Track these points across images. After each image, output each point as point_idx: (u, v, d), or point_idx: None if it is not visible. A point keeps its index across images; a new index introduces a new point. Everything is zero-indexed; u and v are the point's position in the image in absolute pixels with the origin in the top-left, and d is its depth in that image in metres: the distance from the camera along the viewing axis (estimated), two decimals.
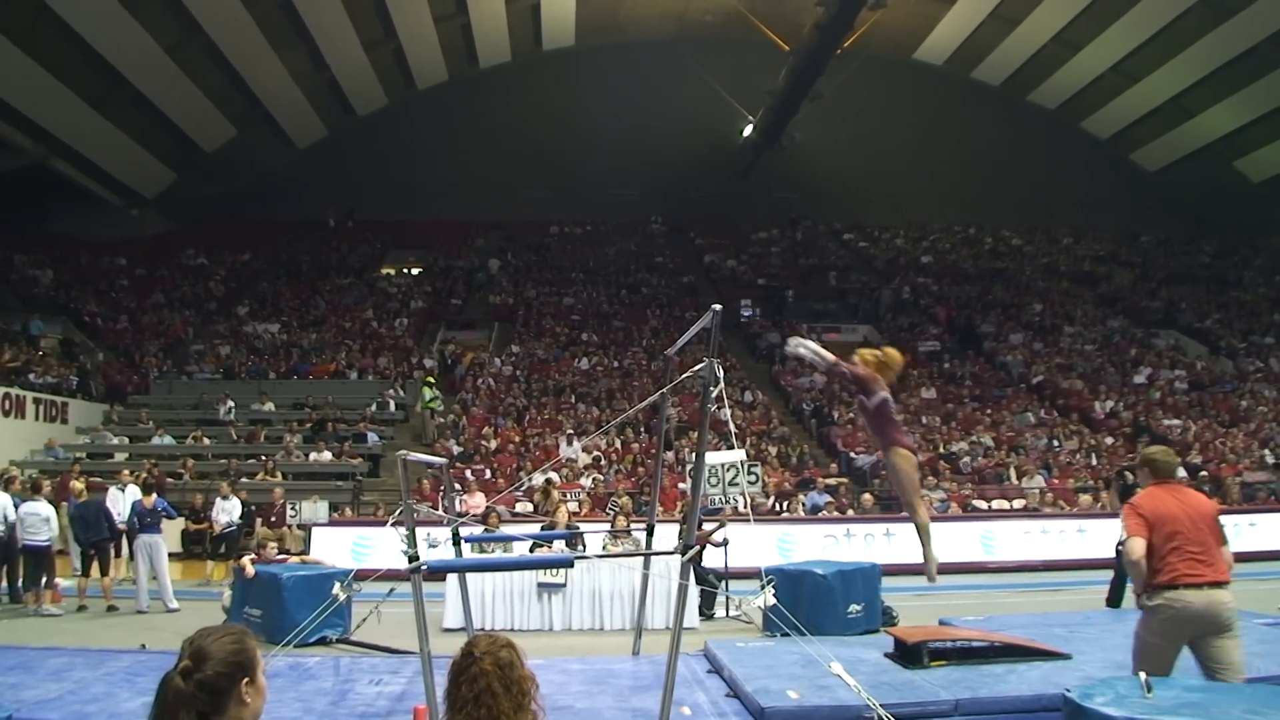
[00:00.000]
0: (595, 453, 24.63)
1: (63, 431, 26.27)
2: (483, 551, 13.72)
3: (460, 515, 11.98)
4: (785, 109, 37.13)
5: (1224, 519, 6.66)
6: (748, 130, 40.72)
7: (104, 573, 14.94)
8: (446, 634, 12.19)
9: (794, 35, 34.81)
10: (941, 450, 25.67)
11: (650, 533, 10.67)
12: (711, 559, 14.52)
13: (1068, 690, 5.30)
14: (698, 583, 13.14)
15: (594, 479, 22.99)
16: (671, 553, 8.55)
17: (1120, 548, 12.99)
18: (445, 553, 10.50)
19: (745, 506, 13.87)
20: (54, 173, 35.66)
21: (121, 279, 37.95)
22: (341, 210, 44.66)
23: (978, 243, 46.19)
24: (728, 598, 14.07)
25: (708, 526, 14.33)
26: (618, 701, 8.46)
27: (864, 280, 40.73)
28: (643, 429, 26.09)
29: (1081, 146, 45.43)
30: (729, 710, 8.15)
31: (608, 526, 15.83)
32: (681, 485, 21.92)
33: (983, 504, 22.45)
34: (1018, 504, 22.47)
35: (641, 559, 11.07)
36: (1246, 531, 19.69)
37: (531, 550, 13.76)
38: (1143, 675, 5.33)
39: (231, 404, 27.97)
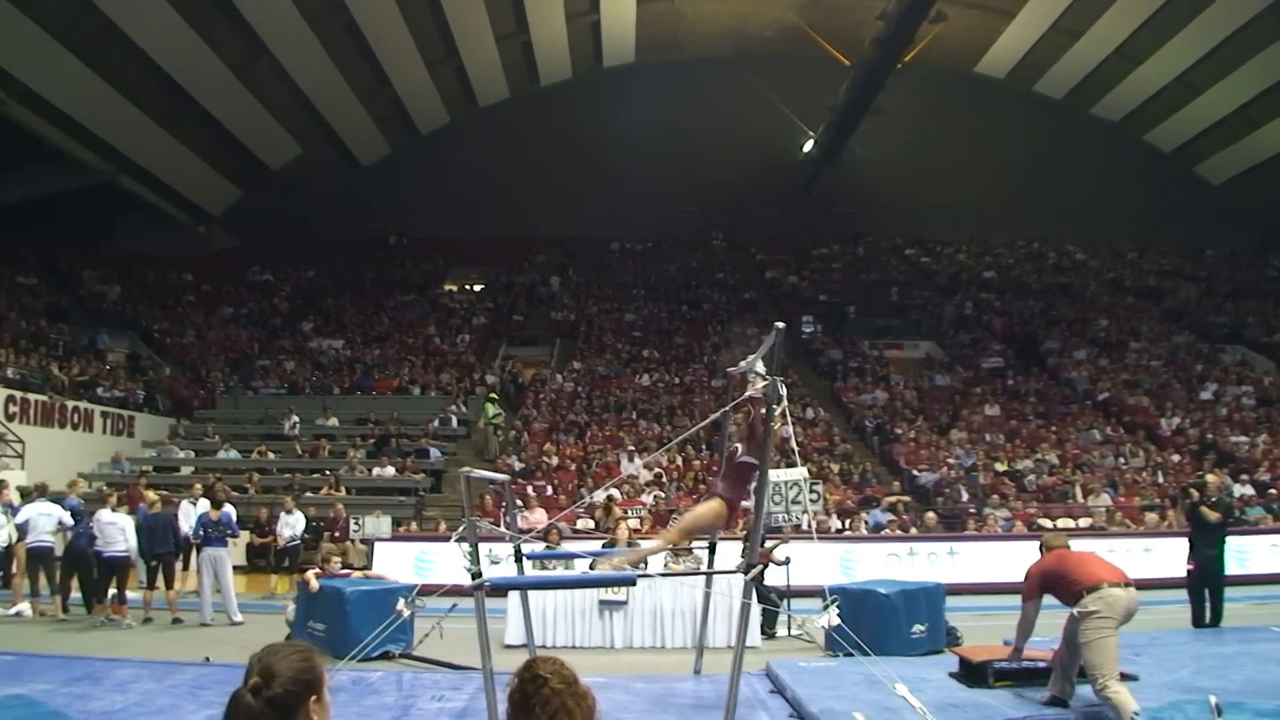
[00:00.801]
0: (656, 469, 24.58)
1: (129, 445, 26.67)
2: (544, 568, 13.72)
3: (522, 532, 12.01)
4: (846, 124, 37.06)
5: None
6: (808, 145, 40.66)
7: (169, 585, 15.10)
8: (508, 650, 12.21)
9: (854, 50, 34.79)
10: (1005, 468, 25.38)
11: (712, 550, 10.64)
12: (773, 577, 14.44)
13: (1136, 713, 5.23)
14: (759, 601, 13.07)
15: (655, 496, 22.95)
16: (733, 571, 8.51)
17: (1189, 567, 12.82)
18: (507, 569, 10.51)
19: (809, 524, 13.81)
20: (122, 190, 36.29)
21: (188, 295, 38.52)
22: (394, 228, 45.04)
23: (1041, 257, 45.70)
24: (790, 617, 13.97)
25: (769, 544, 14.26)
26: None
27: (926, 296, 40.42)
28: (704, 446, 26.01)
29: (1145, 159, 44.85)
30: None
31: None
32: (744, 503, 21.79)
33: (1048, 523, 22.11)
34: (1083, 522, 22.14)
35: (703, 577, 11.03)
36: None
37: (591, 567, 13.75)
38: (1213, 699, 5.27)
39: (296, 419, 28.24)
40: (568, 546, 16.04)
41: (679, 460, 25.45)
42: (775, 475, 13.88)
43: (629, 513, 21.27)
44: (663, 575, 12.20)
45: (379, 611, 11.26)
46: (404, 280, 41.37)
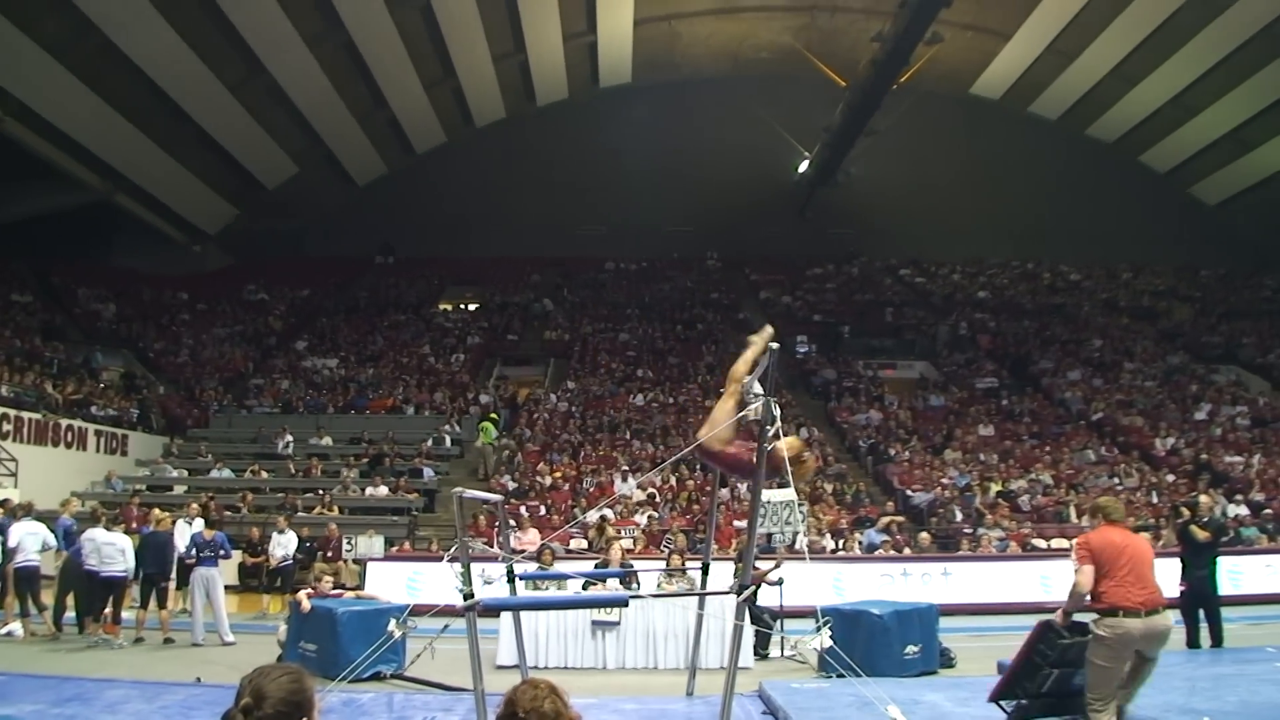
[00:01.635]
0: (650, 489, 24.56)
1: (123, 463, 26.68)
2: (537, 589, 13.70)
3: (515, 552, 11.98)
4: (841, 145, 37.19)
5: None
6: (804, 166, 40.78)
7: (161, 605, 15.03)
8: (500, 671, 12.16)
9: (850, 71, 34.93)
10: (1000, 488, 25.37)
11: (705, 571, 10.62)
12: (766, 598, 14.41)
13: None
14: (752, 622, 13.03)
15: (649, 516, 22.93)
16: (727, 592, 8.49)
17: (1182, 587, 12.80)
18: (500, 590, 10.49)
19: (801, 545, 13.80)
20: (119, 208, 36.47)
21: (183, 313, 38.51)
22: (382, 248, 45.16)
23: (1036, 278, 45.79)
24: (783, 637, 13.94)
25: (763, 565, 14.23)
26: None
27: (920, 316, 40.48)
28: (697, 466, 25.96)
29: (1140, 180, 45.05)
30: None
31: (662, 564, 15.75)
32: (737, 523, 21.81)
33: (1042, 543, 22.11)
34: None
35: (696, 598, 11.00)
36: None
37: (585, 588, 13.72)
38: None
39: (290, 438, 28.23)
40: (561, 567, 16.01)
41: (673, 480, 25.42)
42: (767, 495, 13.87)
43: (622, 533, 21.25)
44: (655, 596, 12.17)
45: (370, 632, 11.22)
46: (399, 299, 41.40)
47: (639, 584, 14.17)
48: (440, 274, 44.13)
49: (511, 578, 10.56)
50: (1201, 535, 12.80)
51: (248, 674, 2.97)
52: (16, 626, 14.92)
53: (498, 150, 43.60)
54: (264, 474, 26.40)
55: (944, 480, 25.64)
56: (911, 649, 12.19)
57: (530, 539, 19.50)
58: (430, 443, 28.26)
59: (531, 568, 14.22)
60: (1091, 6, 35.06)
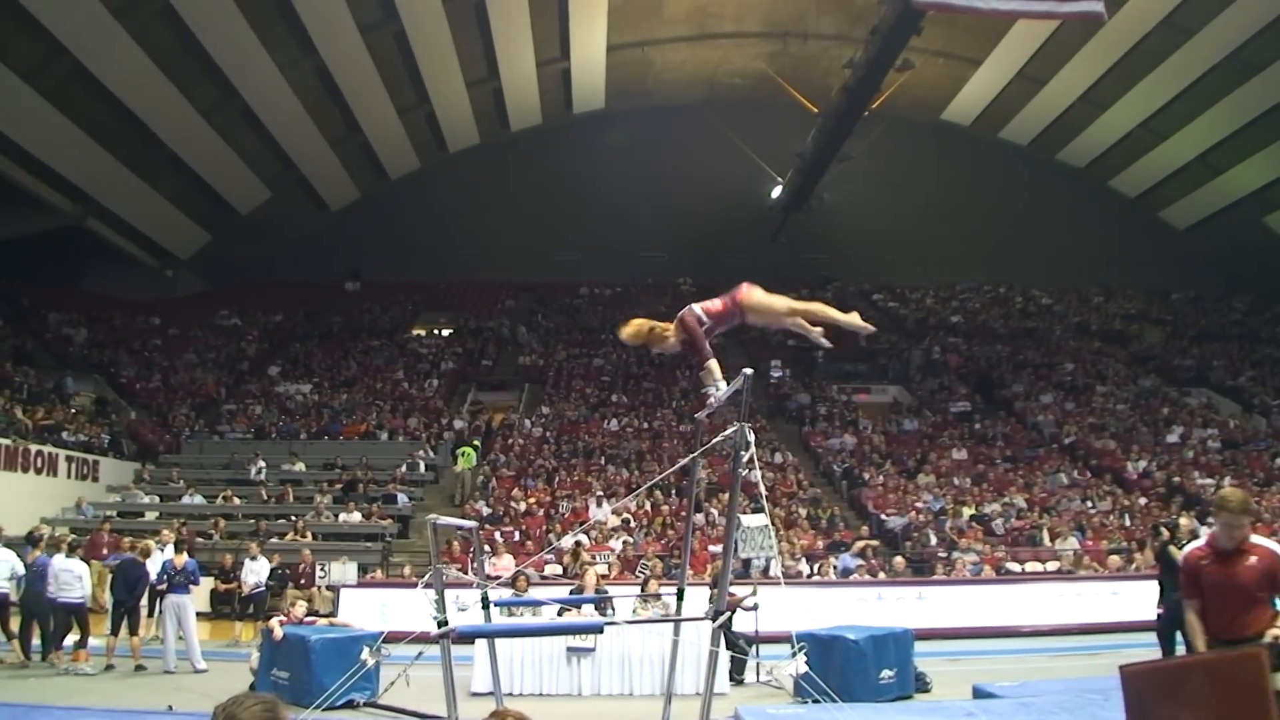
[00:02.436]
0: (625, 515, 24.53)
1: (94, 490, 26.42)
2: (512, 615, 13.65)
3: (490, 578, 11.94)
4: (813, 170, 37.34)
5: None
6: (776, 191, 40.91)
7: (133, 632, 14.91)
8: (475, 698, 12.10)
9: (822, 97, 35.14)
10: (974, 512, 25.43)
11: (681, 596, 10.60)
12: (742, 623, 14.39)
13: None
14: (728, 647, 13.01)
15: (624, 541, 22.88)
16: (702, 618, 8.47)
17: (1159, 610, 12.81)
18: (474, 617, 10.44)
19: (776, 570, 13.78)
20: (90, 233, 36.27)
21: (155, 338, 38.27)
22: (351, 274, 45.19)
23: (1008, 302, 46.10)
24: (758, 663, 13.92)
25: (739, 591, 14.21)
26: None
27: (893, 341, 40.60)
28: (673, 491, 25.96)
29: (1110, 205, 45.37)
30: None
31: (637, 590, 15.71)
32: (712, 548, 21.81)
33: (1016, 566, 22.18)
34: (1051, 566, 22.20)
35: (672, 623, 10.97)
36: None
37: (560, 614, 13.67)
38: None
39: (262, 464, 28.06)
40: (536, 593, 15.96)
41: (647, 505, 25.39)
42: (745, 521, 13.86)
43: (597, 558, 21.21)
44: (630, 622, 12.14)
45: (344, 659, 11.17)
46: (372, 325, 41.31)
47: (614, 610, 14.14)
48: (414, 299, 44.10)
49: (486, 604, 10.52)
50: (1179, 555, 12.83)
51: (221, 702, 2.95)
52: None
53: (471, 176, 43.59)
54: (236, 500, 26.22)
55: (918, 504, 25.68)
56: (887, 674, 12.19)
57: (505, 565, 19.42)
58: (404, 468, 28.16)
59: (506, 594, 14.19)
60: (1060, 33, 35.33)
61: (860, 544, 22.07)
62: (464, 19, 34.88)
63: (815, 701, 9.31)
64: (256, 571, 18.57)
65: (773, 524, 17.62)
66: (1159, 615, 12.70)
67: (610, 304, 44.78)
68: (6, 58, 27.73)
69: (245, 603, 18.68)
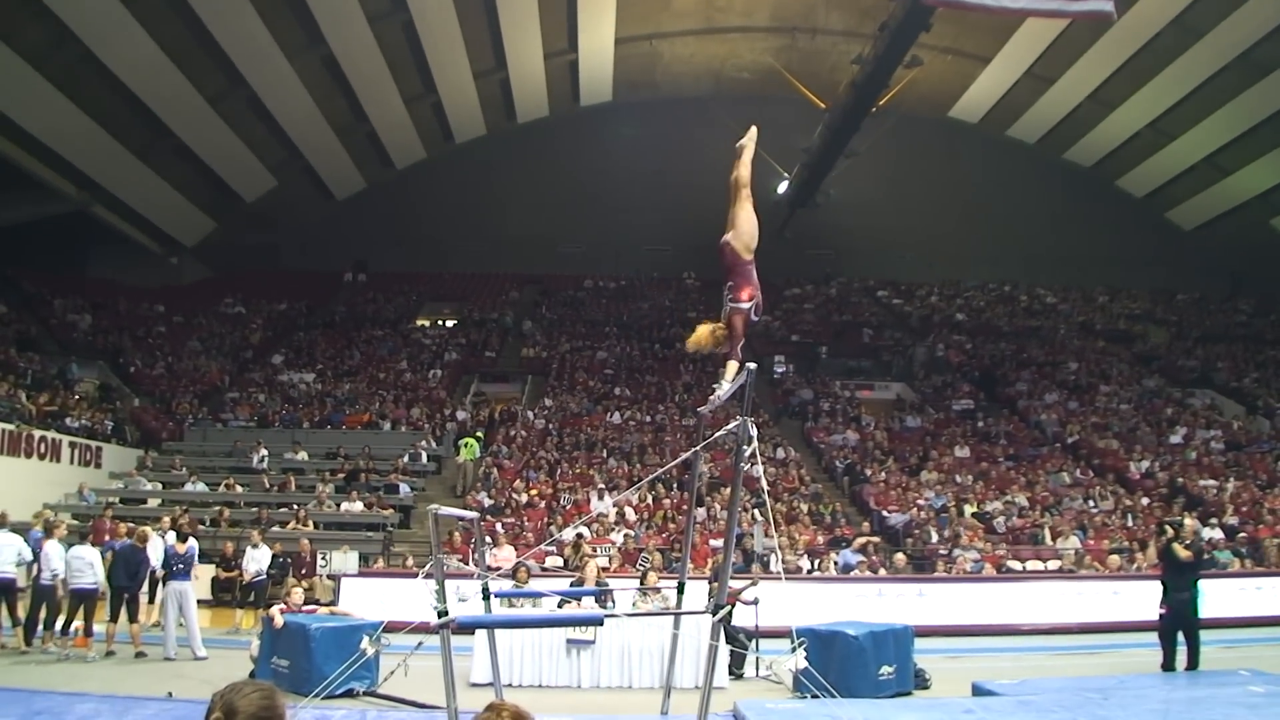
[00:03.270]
0: (626, 508, 24.53)
1: (96, 476, 26.41)
2: (512, 606, 13.65)
3: (490, 570, 11.94)
4: (820, 166, 37.30)
5: (1261, 581, 6.59)
6: (783, 187, 40.82)
7: (133, 619, 14.90)
8: (474, 689, 12.10)
9: (829, 93, 35.06)
10: (975, 510, 25.40)
11: (681, 590, 10.60)
12: (742, 618, 14.38)
13: None
14: (728, 642, 13.01)
15: (624, 534, 22.88)
16: (702, 612, 8.48)
17: (1161, 610, 12.78)
18: (475, 607, 10.44)
19: (776, 565, 13.78)
20: (95, 219, 36.28)
21: (159, 325, 38.31)
22: (356, 266, 45.16)
23: (1012, 300, 46.05)
24: (758, 657, 13.92)
25: (738, 585, 14.21)
26: None
27: (898, 337, 40.60)
28: (674, 485, 25.96)
29: (1117, 204, 45.28)
30: None
31: (638, 583, 15.71)
32: (713, 542, 21.80)
33: (1017, 565, 22.16)
34: (1052, 565, 22.18)
35: (672, 617, 10.98)
36: None
37: (560, 606, 13.67)
38: None
39: (265, 452, 28.05)
40: (536, 585, 15.96)
41: (649, 499, 25.39)
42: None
43: (598, 551, 21.20)
44: (631, 615, 12.14)
45: (343, 648, 11.18)
46: (376, 314, 41.36)
47: (614, 603, 14.14)
48: (418, 289, 44.10)
49: (486, 595, 10.52)
50: (1184, 554, 12.82)
51: (219, 689, 2.94)
52: None
53: (477, 167, 43.55)
54: (238, 488, 26.19)
55: (920, 501, 25.66)
56: (886, 670, 12.20)
57: (506, 556, 19.45)
58: (406, 458, 28.15)
59: (507, 585, 14.18)
60: (1070, 32, 35.23)
61: (861, 540, 22.05)
62: (472, 10, 34.81)
63: (814, 697, 9.33)
64: (257, 560, 18.57)
65: (774, 519, 17.62)
66: (1161, 615, 12.70)
67: (614, 297, 44.81)
68: (14, 43, 27.72)
69: (246, 591, 18.68)
